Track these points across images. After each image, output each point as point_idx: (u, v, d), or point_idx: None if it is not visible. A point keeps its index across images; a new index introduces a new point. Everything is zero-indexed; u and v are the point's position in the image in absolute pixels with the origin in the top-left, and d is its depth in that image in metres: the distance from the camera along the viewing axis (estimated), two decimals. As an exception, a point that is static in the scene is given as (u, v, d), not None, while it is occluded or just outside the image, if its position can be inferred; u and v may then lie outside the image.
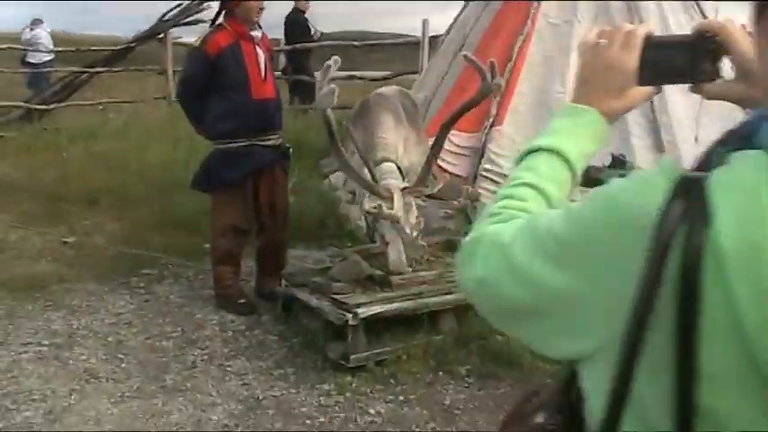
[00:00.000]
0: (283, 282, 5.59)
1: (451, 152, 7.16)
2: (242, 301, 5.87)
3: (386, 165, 5.48)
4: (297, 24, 13.87)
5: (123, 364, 5.09)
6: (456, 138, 7.09)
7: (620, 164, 7.05)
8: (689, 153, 7.75)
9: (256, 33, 5.68)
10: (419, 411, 4.60)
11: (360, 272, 5.22)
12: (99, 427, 4.37)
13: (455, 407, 4.67)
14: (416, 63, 11.68)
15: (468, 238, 1.40)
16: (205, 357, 5.20)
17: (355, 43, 14.18)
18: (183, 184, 7.06)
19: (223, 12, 5.69)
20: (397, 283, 5.25)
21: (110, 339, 5.48)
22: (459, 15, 9.24)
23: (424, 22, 11.66)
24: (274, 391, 4.78)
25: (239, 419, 4.46)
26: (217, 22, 5.70)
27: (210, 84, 5.57)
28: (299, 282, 5.41)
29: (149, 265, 6.91)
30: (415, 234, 5.29)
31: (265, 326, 5.66)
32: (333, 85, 4.96)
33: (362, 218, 5.84)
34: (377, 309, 4.99)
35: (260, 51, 5.67)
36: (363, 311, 4.92)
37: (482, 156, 7.20)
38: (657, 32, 1.45)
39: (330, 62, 4.96)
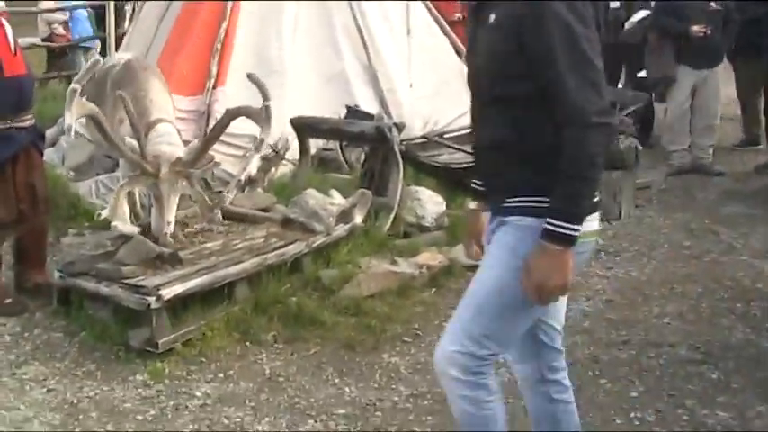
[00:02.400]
0: (56, 273, 5.22)
1: (176, 118, 7.02)
2: (8, 300, 5.39)
3: (162, 126, 5.40)
4: None
5: None
6: (179, 102, 6.94)
7: (357, 113, 7.32)
8: (406, 97, 8.26)
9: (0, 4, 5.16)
10: (244, 385, 4.61)
11: (149, 251, 5.03)
12: None
13: (277, 374, 4.73)
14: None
15: None
16: (-9, 369, 4.77)
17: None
18: None
19: None
20: (186, 258, 5.16)
21: None
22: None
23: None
24: (86, 392, 4.52)
25: (64, 428, 4.18)
26: None
27: None
28: (81, 270, 5.09)
29: None
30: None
31: (43, 324, 5.27)
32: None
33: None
34: (179, 288, 4.86)
35: (6, 23, 5.16)
36: (166, 293, 4.78)
37: (208, 118, 7.13)
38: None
39: None
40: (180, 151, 5.36)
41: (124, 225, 5.13)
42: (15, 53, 5.20)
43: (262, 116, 5.28)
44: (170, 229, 5.30)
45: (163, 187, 5.22)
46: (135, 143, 5.24)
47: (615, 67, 10.37)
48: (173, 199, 5.30)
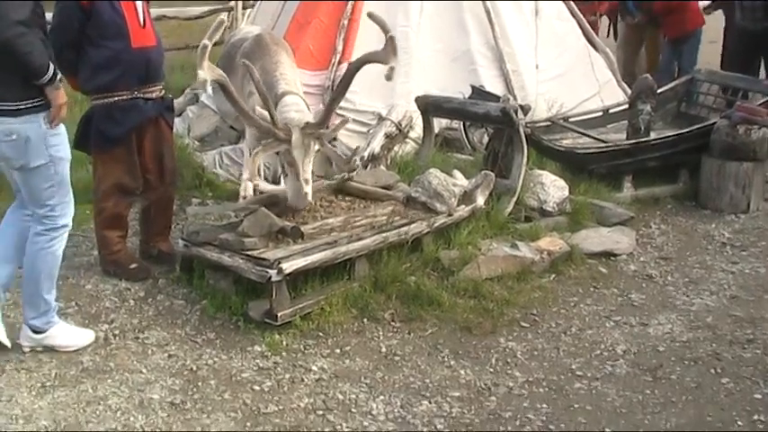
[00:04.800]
0: (180, 241, 5.30)
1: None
2: (134, 266, 5.50)
3: (289, 97, 5.53)
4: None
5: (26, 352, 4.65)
6: (304, 77, 6.97)
7: (483, 94, 7.23)
8: (531, 79, 8.12)
9: None
10: (360, 362, 4.60)
11: (272, 224, 5.05)
12: (32, 425, 4.00)
13: (393, 353, 4.71)
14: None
15: None
16: (116, 332, 4.86)
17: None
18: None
19: None
20: (308, 233, 5.16)
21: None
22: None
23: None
24: (206, 359, 4.58)
25: (184, 394, 4.25)
26: None
27: (84, 33, 5.09)
28: (204, 240, 5.15)
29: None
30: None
31: (167, 290, 5.36)
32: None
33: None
34: (300, 262, 4.88)
35: None
36: (287, 266, 4.80)
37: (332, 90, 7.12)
38: None
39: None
40: (309, 117, 5.40)
41: (265, 184, 5.13)
42: (144, 25, 5.26)
43: (387, 50, 5.21)
44: (308, 189, 5.35)
45: (296, 152, 5.29)
46: (265, 112, 5.28)
47: (753, 56, 9.94)
48: (306, 162, 5.36)
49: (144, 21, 5.26)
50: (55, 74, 4.23)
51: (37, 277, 4.50)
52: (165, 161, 5.56)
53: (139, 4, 5.24)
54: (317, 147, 5.40)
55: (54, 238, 4.48)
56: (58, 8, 5.18)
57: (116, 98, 5.21)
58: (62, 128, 4.40)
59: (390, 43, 5.18)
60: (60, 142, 4.38)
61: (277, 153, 5.50)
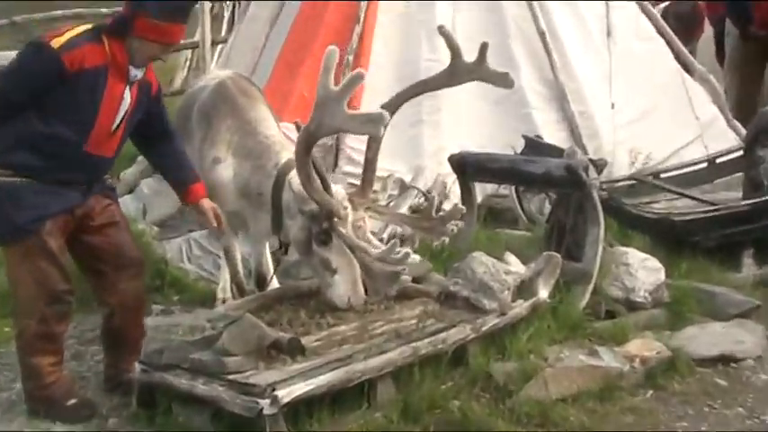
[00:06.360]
0: (137, 365, 5.36)
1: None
2: (72, 402, 5.54)
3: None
4: None
5: None
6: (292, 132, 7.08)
7: (540, 147, 7.31)
8: (606, 123, 8.20)
9: (136, 72, 5.42)
10: None
11: (261, 337, 5.10)
12: None
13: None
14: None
15: None
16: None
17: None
18: None
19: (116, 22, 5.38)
20: (311, 346, 5.22)
21: None
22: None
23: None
24: None
25: None
26: (94, 27, 5.37)
27: (39, 96, 5.26)
28: (170, 362, 5.21)
29: None
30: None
31: (118, 435, 5.44)
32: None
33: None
34: (301, 387, 4.91)
35: (127, 97, 5.42)
36: (284, 393, 4.83)
37: (337, 152, 7.27)
38: None
39: None
40: (341, 187, 5.69)
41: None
42: (114, 133, 5.44)
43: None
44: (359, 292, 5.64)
45: (351, 231, 5.58)
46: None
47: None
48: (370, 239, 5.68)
49: (116, 128, 5.43)
50: None
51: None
52: (123, 248, 5.68)
53: (124, 107, 5.40)
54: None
55: None
56: (27, 56, 5.35)
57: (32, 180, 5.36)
58: None
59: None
60: None
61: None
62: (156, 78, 5.71)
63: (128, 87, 5.40)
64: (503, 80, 6.00)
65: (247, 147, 5.71)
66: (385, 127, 5.13)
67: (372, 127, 5.22)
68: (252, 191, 6.12)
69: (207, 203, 5.76)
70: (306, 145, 5.45)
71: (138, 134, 5.72)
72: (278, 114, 6.56)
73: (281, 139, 6.08)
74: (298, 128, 5.64)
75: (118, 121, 5.41)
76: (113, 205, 5.70)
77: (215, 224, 5.74)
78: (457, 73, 5.79)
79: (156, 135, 5.79)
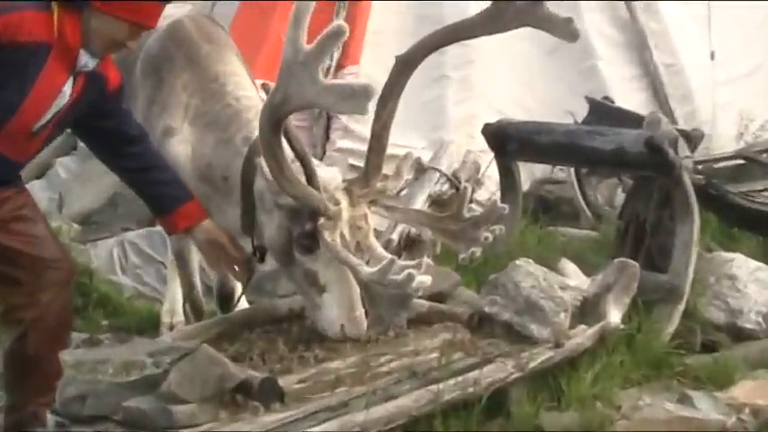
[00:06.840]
0: (50, 416, 5.36)
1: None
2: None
3: None
4: None
5: None
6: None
7: (610, 112, 7.31)
8: (703, 80, 8.21)
9: (87, 60, 5.46)
10: None
11: (224, 378, 5.09)
12: None
13: None
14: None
15: None
16: None
17: None
18: None
19: None
20: (293, 389, 5.21)
21: None
22: None
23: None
24: None
25: None
26: None
27: None
28: (95, 413, 5.21)
29: None
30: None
31: None
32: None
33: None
34: (275, 450, 4.94)
35: (67, 89, 5.47)
36: (252, 458, 4.86)
37: (328, 120, 7.31)
38: None
39: None
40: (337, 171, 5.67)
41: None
42: (37, 134, 5.53)
43: None
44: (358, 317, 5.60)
45: (347, 232, 5.51)
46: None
47: None
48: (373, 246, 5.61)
49: (41, 128, 5.47)
50: None
51: None
52: (45, 248, 5.73)
53: (59, 105, 5.47)
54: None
55: None
56: None
57: None
58: None
59: None
60: None
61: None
62: (117, 73, 5.72)
63: (71, 78, 5.40)
64: (563, 28, 5.84)
65: (210, 113, 5.69)
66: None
67: (355, 103, 5.04)
68: (215, 174, 6.08)
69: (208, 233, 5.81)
70: (272, 123, 5.37)
71: (97, 143, 5.74)
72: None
73: (257, 103, 6.00)
74: (267, 91, 5.55)
75: (46, 118, 5.43)
76: (22, 193, 5.71)
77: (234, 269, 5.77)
78: (500, 16, 5.62)
79: (119, 142, 5.78)
